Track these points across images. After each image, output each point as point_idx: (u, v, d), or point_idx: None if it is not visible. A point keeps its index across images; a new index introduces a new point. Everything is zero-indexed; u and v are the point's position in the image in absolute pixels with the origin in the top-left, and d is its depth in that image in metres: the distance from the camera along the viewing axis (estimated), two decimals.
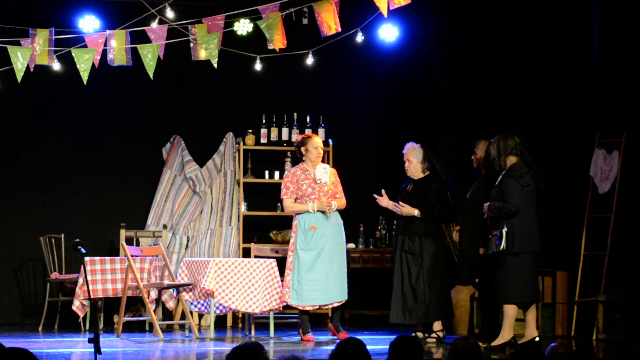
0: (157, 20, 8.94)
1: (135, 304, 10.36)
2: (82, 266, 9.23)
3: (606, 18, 9.77)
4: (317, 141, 9.14)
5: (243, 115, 11.31)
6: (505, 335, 8.26)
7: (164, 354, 8.14)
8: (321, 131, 11.00)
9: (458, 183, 9.26)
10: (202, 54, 8.83)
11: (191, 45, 8.86)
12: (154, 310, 9.40)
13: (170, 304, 9.96)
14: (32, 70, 8.78)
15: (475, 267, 8.67)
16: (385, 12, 8.41)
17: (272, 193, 11.32)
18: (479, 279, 8.63)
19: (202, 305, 9.36)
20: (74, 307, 9.69)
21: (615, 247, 9.47)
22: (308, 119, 11.19)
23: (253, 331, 9.34)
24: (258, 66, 9.49)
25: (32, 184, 10.93)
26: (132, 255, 9.29)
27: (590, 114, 9.95)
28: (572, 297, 9.72)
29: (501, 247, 8.08)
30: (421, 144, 9.16)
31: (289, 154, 11.14)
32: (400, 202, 9.02)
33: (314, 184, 9.07)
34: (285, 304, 9.17)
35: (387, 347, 4.69)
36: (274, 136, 11.17)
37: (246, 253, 10.80)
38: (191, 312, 9.49)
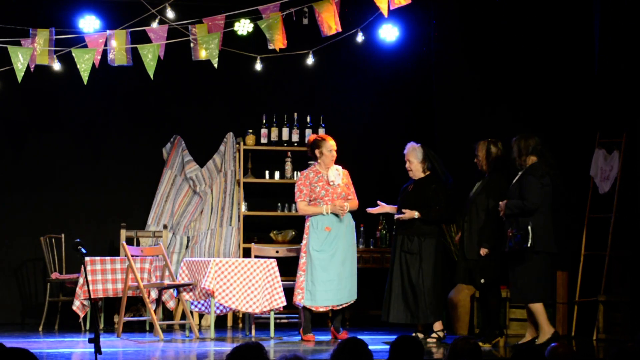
0: (157, 20, 8.93)
1: (136, 304, 10.36)
2: (82, 266, 9.23)
3: (606, 17, 9.76)
4: (331, 144, 9.17)
5: (243, 115, 11.31)
6: (545, 330, 8.27)
7: (164, 354, 8.14)
8: (321, 131, 11.00)
9: (458, 183, 9.26)
10: (203, 54, 8.83)
11: (191, 45, 8.86)
12: (155, 310, 9.40)
13: (171, 304, 9.96)
14: (32, 70, 8.78)
15: (476, 267, 8.66)
16: (385, 12, 8.41)
17: (273, 193, 11.32)
18: (485, 280, 8.61)
19: (203, 305, 9.36)
20: (74, 307, 9.69)
21: (615, 247, 9.46)
22: (308, 119, 11.19)
23: (253, 331, 9.34)
24: (258, 66, 9.49)
25: (32, 184, 10.93)
26: (132, 255, 9.29)
27: (590, 114, 9.95)
28: (573, 297, 9.71)
29: (528, 244, 8.11)
30: (421, 144, 9.17)
31: (289, 154, 11.14)
32: (402, 210, 9.03)
33: (327, 186, 9.11)
34: (285, 304, 9.18)
35: (388, 347, 4.69)
36: (274, 136, 11.17)
37: (246, 253, 10.80)
38: (191, 312, 9.49)
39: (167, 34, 8.83)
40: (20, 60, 8.61)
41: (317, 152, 9.19)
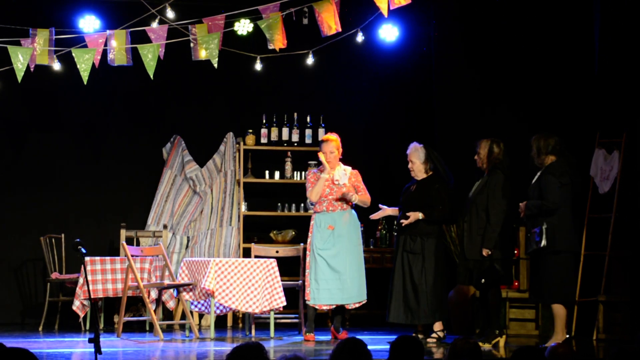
0: (157, 20, 8.93)
1: (136, 304, 10.36)
2: (82, 266, 9.23)
3: (606, 17, 9.76)
4: (332, 145, 9.19)
5: (243, 115, 11.31)
6: (559, 335, 8.26)
7: (164, 354, 8.14)
8: (321, 131, 11.01)
9: (458, 183, 9.26)
10: (203, 54, 8.82)
11: (191, 45, 8.86)
12: (154, 310, 9.40)
13: (171, 304, 9.96)
14: (32, 70, 8.78)
15: (476, 266, 8.66)
16: (385, 12, 8.40)
17: (273, 193, 11.32)
18: (485, 280, 8.61)
19: (203, 305, 9.36)
20: (74, 307, 9.69)
21: (615, 247, 9.46)
22: (308, 119, 11.19)
23: (253, 331, 9.35)
24: (258, 66, 9.49)
25: (32, 184, 10.93)
26: (132, 255, 9.29)
27: (590, 114, 9.95)
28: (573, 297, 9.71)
29: (542, 244, 8.11)
30: (424, 145, 9.18)
31: (289, 154, 11.14)
32: (407, 214, 9.02)
33: (332, 185, 9.14)
34: (285, 304, 9.19)
35: (388, 347, 4.69)
36: (274, 136, 11.17)
37: (246, 253, 10.80)
38: (191, 312, 9.49)
39: (167, 34, 8.83)
40: (20, 60, 8.61)
41: (319, 153, 9.26)
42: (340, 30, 8.70)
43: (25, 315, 10.89)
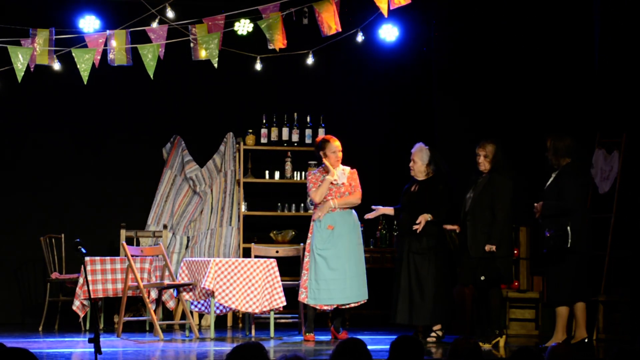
0: (157, 20, 8.93)
1: (136, 304, 10.36)
2: (82, 266, 9.23)
3: (606, 17, 9.76)
4: (336, 145, 9.18)
5: (243, 115, 11.31)
6: (558, 337, 8.26)
7: (164, 354, 8.14)
8: (321, 131, 11.00)
9: (458, 183, 9.25)
10: (203, 54, 8.82)
11: (191, 45, 8.85)
12: (154, 310, 9.40)
13: (171, 304, 9.96)
14: (32, 70, 8.77)
15: (478, 264, 8.64)
16: (385, 12, 8.40)
17: (273, 193, 11.32)
18: (485, 277, 8.60)
19: (202, 305, 9.36)
20: (74, 307, 9.69)
21: (616, 247, 9.46)
22: (308, 119, 11.19)
23: (253, 331, 9.35)
24: (258, 66, 9.48)
25: (32, 184, 10.93)
26: (132, 255, 9.29)
27: (590, 114, 9.95)
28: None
29: (568, 244, 8.11)
30: (429, 147, 9.18)
31: (289, 154, 11.14)
32: (417, 221, 9.01)
33: (331, 185, 9.13)
34: (285, 304, 9.19)
35: (388, 347, 4.69)
36: (274, 136, 11.17)
37: (246, 253, 10.80)
38: (191, 312, 9.49)
39: (167, 34, 8.83)
40: (20, 60, 8.61)
41: (321, 153, 9.22)
42: (340, 30, 8.69)
43: (25, 315, 10.88)
